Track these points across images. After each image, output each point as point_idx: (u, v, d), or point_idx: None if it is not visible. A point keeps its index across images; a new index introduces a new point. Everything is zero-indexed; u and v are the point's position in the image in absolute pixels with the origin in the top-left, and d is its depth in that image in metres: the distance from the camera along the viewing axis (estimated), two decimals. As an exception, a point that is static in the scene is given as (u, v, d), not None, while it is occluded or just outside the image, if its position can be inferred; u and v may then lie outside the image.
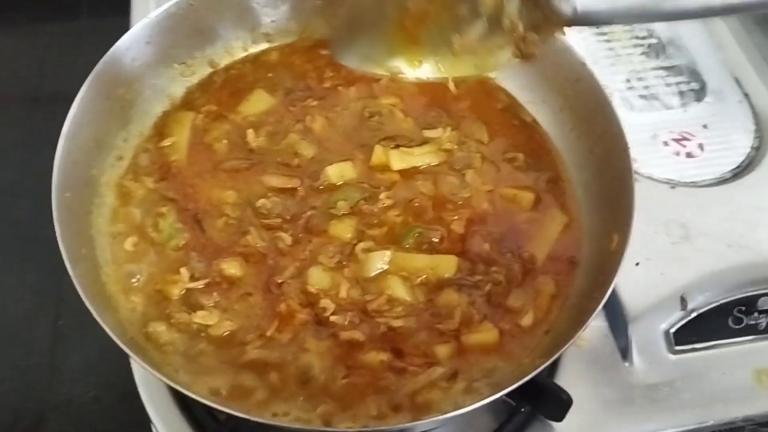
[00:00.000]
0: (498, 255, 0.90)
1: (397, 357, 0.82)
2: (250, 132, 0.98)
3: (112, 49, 0.92)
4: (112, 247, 0.89)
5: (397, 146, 0.98)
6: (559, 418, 0.90)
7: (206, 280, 0.87)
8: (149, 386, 0.96)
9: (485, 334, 0.84)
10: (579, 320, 0.79)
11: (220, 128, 0.99)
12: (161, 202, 0.93)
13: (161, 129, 0.99)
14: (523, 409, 0.93)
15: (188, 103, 1.02)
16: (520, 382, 0.72)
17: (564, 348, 0.76)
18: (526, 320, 0.86)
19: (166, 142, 0.98)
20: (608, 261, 0.83)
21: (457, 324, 0.84)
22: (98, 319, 0.73)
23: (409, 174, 0.96)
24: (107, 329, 0.73)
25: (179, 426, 0.93)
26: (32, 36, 1.77)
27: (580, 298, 0.86)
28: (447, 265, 0.88)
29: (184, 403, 0.94)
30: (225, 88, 1.03)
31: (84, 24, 1.80)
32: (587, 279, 0.87)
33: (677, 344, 1.00)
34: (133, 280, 0.87)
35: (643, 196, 1.10)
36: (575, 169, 0.97)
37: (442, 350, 0.83)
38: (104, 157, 0.93)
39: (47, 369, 1.34)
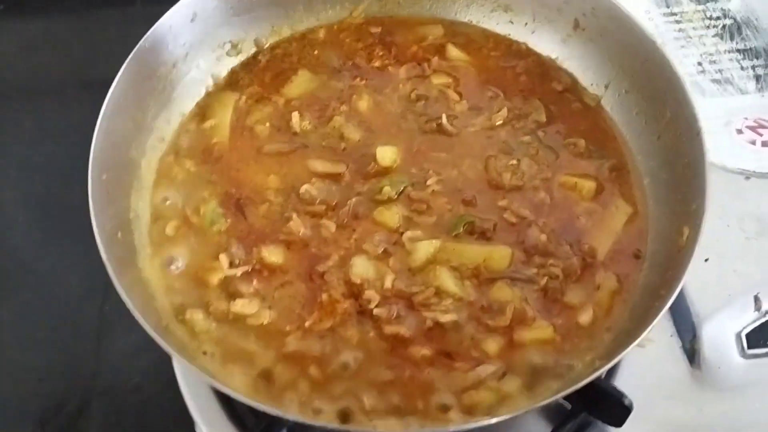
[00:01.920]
0: (555, 247, 0.84)
1: (443, 353, 0.77)
2: (295, 115, 0.94)
3: (153, 28, 0.89)
4: (150, 232, 0.86)
5: (441, 131, 0.92)
6: (618, 424, 0.83)
7: (246, 268, 0.83)
8: (188, 377, 0.93)
9: (540, 332, 0.78)
10: (644, 320, 0.72)
11: (263, 110, 0.95)
12: (203, 185, 0.90)
13: (204, 110, 0.96)
14: (579, 414, 0.87)
15: (232, 83, 0.99)
16: (578, 385, 0.66)
17: (627, 349, 0.69)
18: (585, 318, 0.79)
19: (208, 124, 0.94)
20: (677, 256, 0.76)
21: (509, 320, 0.79)
22: (129, 304, 0.70)
23: (458, 159, 0.90)
24: (137, 314, 0.69)
25: (218, 419, 0.90)
26: (86, 21, 1.77)
27: (644, 296, 0.79)
28: (500, 256, 0.83)
29: (222, 395, 0.91)
30: (269, 69, 0.99)
31: (138, 10, 1.79)
32: (653, 275, 0.80)
33: (750, 347, 0.92)
34: (172, 266, 0.84)
35: (714, 187, 1.02)
36: (641, 156, 0.90)
37: (492, 347, 0.77)
38: (145, 139, 0.90)
39: (93, 355, 1.33)
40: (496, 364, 0.76)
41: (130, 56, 0.86)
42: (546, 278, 0.81)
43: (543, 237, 0.84)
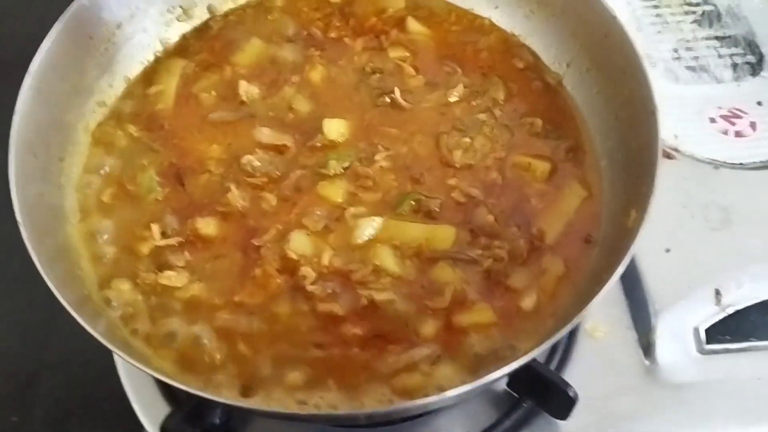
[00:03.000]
0: (503, 229, 0.80)
1: (377, 334, 0.73)
2: (242, 83, 0.90)
3: (93, -15, 0.85)
4: (83, 198, 0.83)
5: (394, 105, 0.88)
6: (563, 416, 0.80)
7: (178, 239, 0.79)
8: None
9: (479, 315, 0.75)
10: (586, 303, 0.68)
11: (210, 78, 0.91)
12: (143, 153, 0.86)
13: (150, 76, 0.92)
14: (525, 404, 0.83)
15: (181, 50, 0.95)
16: (507, 369, 0.63)
17: (563, 332, 0.65)
18: (528, 302, 0.76)
19: (153, 89, 0.91)
20: (624, 237, 0.72)
21: (447, 302, 0.75)
22: (41, 270, 0.66)
23: (409, 135, 0.86)
24: (49, 282, 0.66)
25: (151, 394, 0.86)
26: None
27: (592, 282, 0.75)
28: (443, 236, 0.79)
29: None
30: (221, 37, 0.95)
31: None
32: (602, 260, 0.76)
33: (708, 342, 0.88)
34: (101, 235, 0.80)
35: (681, 175, 0.99)
36: (599, 136, 0.86)
37: (428, 329, 0.73)
38: (82, 102, 0.86)
39: (45, 326, 1.29)
40: (431, 348, 0.72)
41: (66, 12, 0.82)
42: (490, 260, 0.77)
43: (490, 218, 0.80)
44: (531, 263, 0.78)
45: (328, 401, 0.70)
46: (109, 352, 0.90)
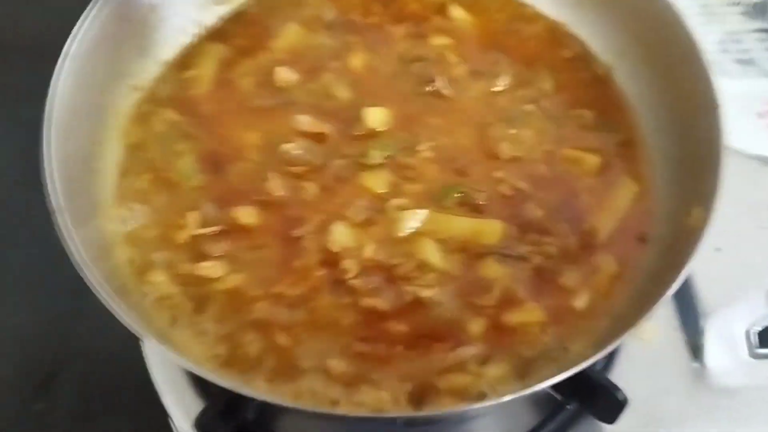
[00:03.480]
0: (552, 224, 0.77)
1: (422, 331, 0.71)
2: (279, 69, 0.87)
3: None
4: (118, 184, 0.80)
5: (437, 95, 0.85)
6: (610, 419, 0.77)
7: (216, 228, 0.77)
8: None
9: (529, 314, 0.72)
10: (644, 307, 0.65)
11: (248, 64, 0.88)
12: (180, 138, 0.83)
13: (186, 60, 0.89)
14: (569, 406, 0.80)
15: (218, 34, 0.92)
16: (565, 375, 0.60)
17: (621, 337, 0.62)
18: (580, 302, 0.73)
19: (190, 74, 0.88)
20: (685, 239, 0.69)
21: (495, 300, 0.72)
22: (76, 258, 0.63)
23: (453, 126, 0.83)
24: (83, 268, 0.63)
25: (182, 388, 0.84)
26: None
27: (648, 282, 0.72)
28: (491, 230, 0.76)
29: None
30: (258, 21, 0.92)
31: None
32: (658, 260, 0.73)
33: (760, 346, 0.85)
34: (135, 222, 0.78)
35: (729, 172, 0.95)
36: (653, 131, 0.82)
37: (476, 328, 0.71)
38: (118, 85, 0.84)
39: (69, 317, 1.27)
40: (479, 347, 0.70)
41: (100, -2, 0.79)
42: (540, 257, 0.75)
43: (539, 212, 0.77)
44: (582, 261, 0.75)
45: (371, 400, 0.67)
46: (136, 344, 0.88)
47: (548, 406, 0.82)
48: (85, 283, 0.64)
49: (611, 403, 0.76)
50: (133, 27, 0.85)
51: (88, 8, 0.77)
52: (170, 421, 0.93)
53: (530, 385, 0.60)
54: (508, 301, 0.72)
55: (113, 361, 1.21)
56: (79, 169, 0.76)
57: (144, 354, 0.88)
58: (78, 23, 0.77)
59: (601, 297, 0.73)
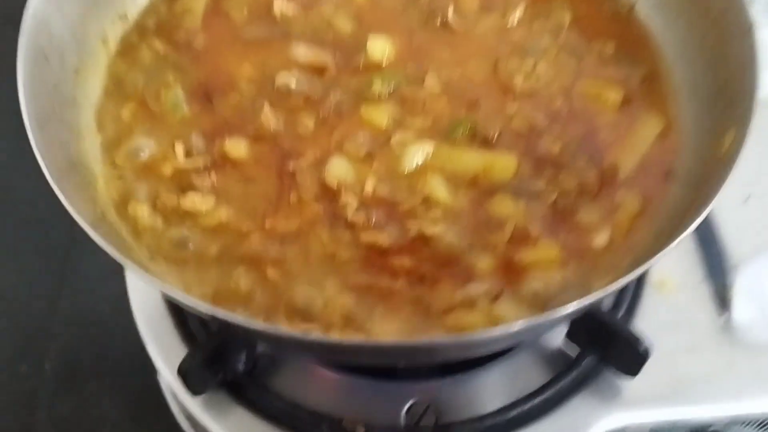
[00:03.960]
0: (570, 160, 0.71)
1: (427, 268, 0.64)
2: (278, 1, 0.81)
3: None
4: (99, 114, 0.74)
5: (446, 27, 0.79)
6: (633, 371, 0.71)
7: (204, 160, 0.71)
8: (137, 291, 0.81)
9: (544, 252, 0.66)
10: (667, 242, 0.59)
11: (242, -5, 0.82)
12: (169, 70, 0.77)
13: (177, -9, 0.83)
14: (586, 359, 0.74)
15: (213, -37, 0.86)
16: (576, 306, 0.53)
17: (640, 270, 0.56)
18: (600, 240, 0.66)
19: (179, 7, 0.82)
20: (715, 170, 0.62)
21: (507, 236, 0.66)
22: (54, 185, 0.58)
23: (462, 59, 0.77)
24: (61, 196, 0.57)
25: (168, 334, 0.78)
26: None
27: (673, 220, 0.66)
28: (503, 165, 0.70)
29: (173, 308, 0.79)
30: (256, -50, 0.87)
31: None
32: (685, 196, 0.67)
33: (792, 301, 0.78)
34: (119, 153, 0.72)
35: (760, 117, 0.88)
36: (680, 63, 0.76)
37: (485, 264, 0.64)
38: (102, 12, 0.78)
39: (58, 279, 1.22)
40: (489, 283, 0.63)
41: None
42: (556, 193, 0.68)
43: (556, 148, 0.71)
44: (602, 198, 0.69)
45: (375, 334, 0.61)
46: (124, 306, 0.83)
47: (563, 362, 0.76)
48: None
49: (633, 355, 0.70)
50: (119, -50, 0.79)
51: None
52: (158, 378, 0.88)
53: (545, 312, 0.54)
54: (521, 238, 0.66)
55: (100, 323, 1.16)
56: (58, 96, 0.70)
57: (131, 304, 0.82)
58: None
59: (622, 234, 0.67)
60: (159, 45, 0.79)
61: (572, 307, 0.54)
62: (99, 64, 0.77)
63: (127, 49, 0.79)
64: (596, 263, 0.65)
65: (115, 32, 0.79)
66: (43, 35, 0.69)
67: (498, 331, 0.52)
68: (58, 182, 0.59)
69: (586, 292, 0.61)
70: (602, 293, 0.55)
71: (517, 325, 0.51)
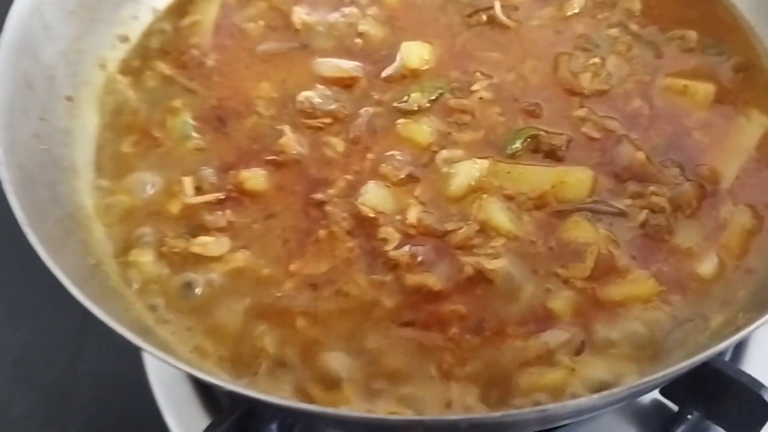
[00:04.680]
0: (658, 170, 0.58)
1: (490, 314, 0.52)
2: (297, 9, 0.71)
3: None
4: (98, 146, 0.64)
5: (493, 24, 0.68)
6: (753, 429, 0.56)
7: (218, 194, 0.60)
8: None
9: (636, 287, 0.53)
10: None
11: (257, 5, 0.73)
12: (176, 94, 0.67)
13: (184, 5, 0.74)
14: (689, 416, 0.60)
15: (223, -25, 0.76)
16: (689, 362, 0.40)
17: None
18: (707, 267, 0.54)
19: (188, 20, 0.72)
20: None
21: (589, 270, 0.53)
22: (24, 223, 0.47)
23: (516, 60, 0.65)
24: (38, 246, 0.47)
25: (186, 402, 0.67)
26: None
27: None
28: (577, 180, 0.57)
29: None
30: (271, -44, 0.77)
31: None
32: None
33: None
34: (120, 191, 0.62)
35: None
36: (778, 47, 0.63)
37: (562, 305, 0.52)
38: (99, 33, 0.69)
39: (76, 334, 1.13)
40: (571, 330, 0.50)
41: None
42: (645, 211, 0.56)
43: (640, 156, 0.58)
44: (704, 214, 0.56)
45: (421, 404, 0.48)
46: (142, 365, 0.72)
47: (657, 419, 0.62)
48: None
49: (752, 407, 0.55)
50: (116, -37, 0.70)
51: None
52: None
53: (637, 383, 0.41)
54: (607, 270, 0.53)
55: (120, 381, 1.05)
56: (44, 124, 0.60)
57: (145, 365, 0.71)
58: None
59: (734, 258, 0.54)
60: (164, 67, 0.69)
61: (679, 366, 0.40)
62: (96, 92, 0.67)
63: (128, 73, 0.69)
64: (704, 296, 0.52)
65: (115, 55, 0.70)
66: (26, 59, 0.59)
67: (593, 400, 0.39)
68: (35, 229, 0.48)
69: (699, 333, 0.48)
70: (722, 345, 0.42)
71: (616, 393, 0.38)
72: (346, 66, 0.67)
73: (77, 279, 0.48)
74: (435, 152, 0.61)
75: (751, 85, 0.63)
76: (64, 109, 0.63)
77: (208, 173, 0.62)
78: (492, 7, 0.69)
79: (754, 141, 0.59)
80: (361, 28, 0.70)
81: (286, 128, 0.63)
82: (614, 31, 0.67)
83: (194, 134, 0.64)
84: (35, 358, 1.11)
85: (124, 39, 0.71)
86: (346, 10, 0.71)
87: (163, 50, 0.71)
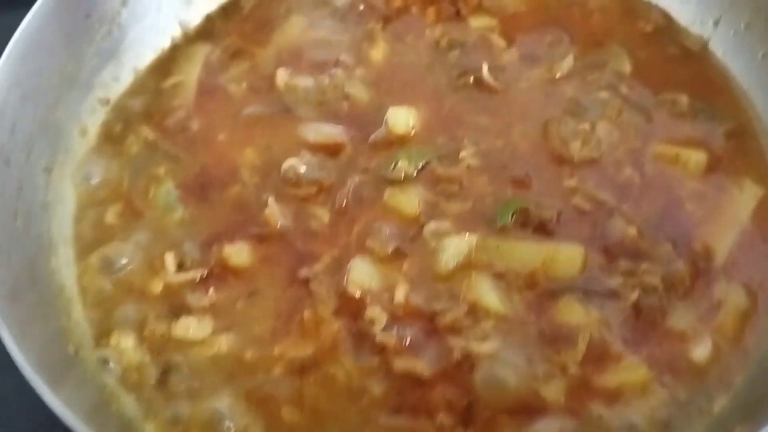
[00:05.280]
0: (651, 246, 0.57)
1: (480, 401, 0.51)
2: (281, 71, 0.69)
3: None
4: (77, 219, 0.63)
5: (481, 86, 0.67)
6: None
7: (200, 271, 0.58)
8: None
9: (629, 374, 0.52)
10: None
11: (240, 66, 0.72)
12: (160, 160, 0.66)
13: (166, 65, 0.73)
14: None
15: (205, 33, 0.75)
16: None
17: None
18: (701, 351, 0.52)
19: (171, 82, 0.71)
20: None
21: (581, 355, 0.52)
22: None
23: (504, 125, 0.64)
24: (6, 334, 0.45)
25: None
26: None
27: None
28: (567, 258, 0.56)
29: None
30: (253, 17, 0.76)
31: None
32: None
33: None
34: (101, 269, 0.60)
35: None
36: (770, 113, 0.62)
37: (554, 392, 0.51)
38: (79, 99, 0.67)
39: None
40: (562, 420, 0.49)
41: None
42: (637, 291, 0.54)
43: (632, 230, 0.57)
44: (697, 294, 0.55)
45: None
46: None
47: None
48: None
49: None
50: (97, 25, 0.68)
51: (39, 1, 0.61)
52: None
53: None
54: (599, 355, 0.52)
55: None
56: (20, 201, 0.58)
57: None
58: (25, 19, 0.60)
59: (729, 342, 0.53)
60: (147, 131, 0.68)
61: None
62: (76, 161, 0.65)
63: (110, 139, 0.68)
64: (698, 384, 0.51)
65: (95, 120, 0.68)
66: (3, 134, 0.58)
67: None
68: (6, 319, 0.47)
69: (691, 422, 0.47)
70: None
71: None
72: (332, 132, 0.65)
73: (52, 378, 0.46)
74: (423, 224, 0.59)
75: (742, 153, 0.62)
76: (43, 182, 0.62)
77: (191, 248, 0.60)
78: (480, 69, 0.67)
79: (747, 213, 0.58)
80: (347, 90, 0.68)
81: (271, 199, 0.61)
82: (604, 95, 0.65)
83: (178, 205, 0.63)
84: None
85: (105, 102, 0.69)
86: (331, 71, 0.70)
87: (146, 113, 0.69)
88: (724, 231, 0.57)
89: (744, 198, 0.59)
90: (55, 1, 0.63)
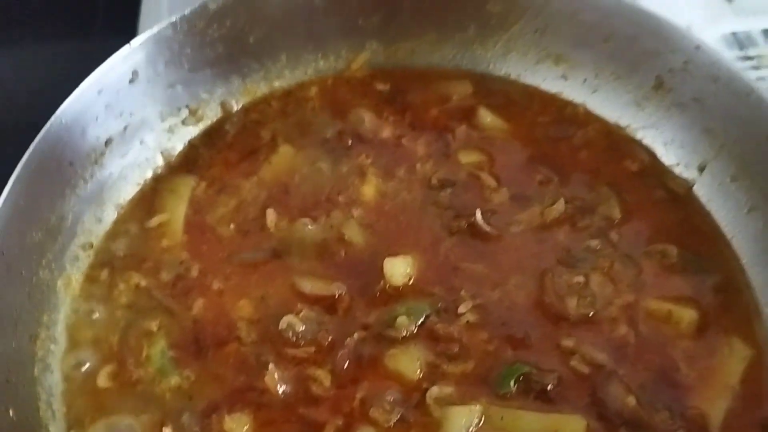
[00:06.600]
0: (649, 414, 0.58)
1: None
2: (270, 212, 0.68)
3: (72, 97, 0.63)
4: (68, 391, 0.60)
5: (475, 231, 0.67)
6: None
7: (200, 447, 0.57)
8: None
9: None
10: None
11: (228, 204, 0.70)
12: (152, 313, 0.64)
13: (150, 200, 0.71)
14: None
15: (188, 163, 0.73)
16: None
17: None
18: None
19: (156, 220, 0.69)
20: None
21: None
22: None
23: (501, 275, 0.65)
24: None
25: None
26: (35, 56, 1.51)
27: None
28: (572, 429, 0.57)
29: None
30: (238, 144, 0.74)
31: (96, 43, 1.53)
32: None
33: None
34: (91, 446, 0.58)
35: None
36: (759, 268, 0.64)
37: None
38: (61, 250, 0.65)
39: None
40: None
41: (36, 139, 0.60)
42: (639, 463, 0.56)
43: (631, 400, 0.58)
44: (697, 466, 0.56)
45: None
46: None
47: None
48: None
49: None
50: (79, 171, 0.66)
51: (22, 160, 0.58)
52: None
53: None
54: None
55: None
56: (13, 392, 0.56)
57: None
58: (8, 184, 0.57)
59: None
60: (135, 277, 0.66)
61: None
62: (61, 320, 0.63)
63: (95, 288, 0.65)
64: None
65: (80, 269, 0.66)
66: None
67: None
68: None
69: None
70: None
71: None
72: (327, 284, 0.65)
73: None
74: (425, 389, 0.59)
75: (730, 309, 0.63)
76: (29, 351, 0.59)
77: (190, 420, 0.58)
78: (473, 214, 0.68)
79: (738, 376, 0.60)
80: (342, 232, 0.67)
81: (271, 366, 0.60)
82: (595, 243, 0.66)
83: (172, 369, 0.61)
84: None
85: (88, 246, 0.67)
86: (326, 211, 0.69)
87: (129, 257, 0.67)
88: (718, 395, 0.59)
89: (734, 360, 0.60)
90: (37, 162, 0.60)
